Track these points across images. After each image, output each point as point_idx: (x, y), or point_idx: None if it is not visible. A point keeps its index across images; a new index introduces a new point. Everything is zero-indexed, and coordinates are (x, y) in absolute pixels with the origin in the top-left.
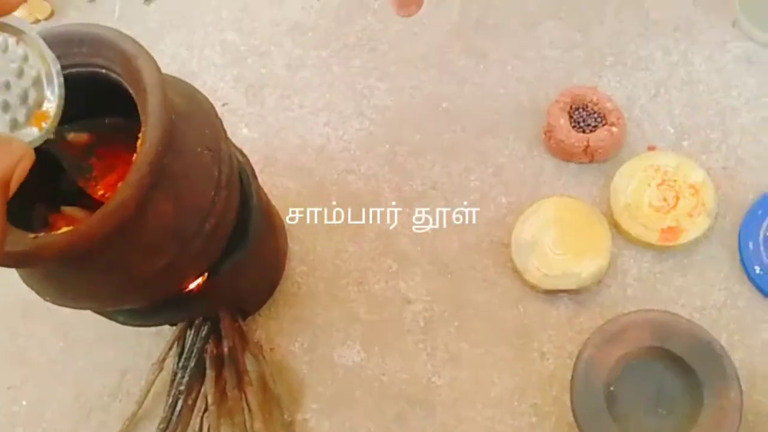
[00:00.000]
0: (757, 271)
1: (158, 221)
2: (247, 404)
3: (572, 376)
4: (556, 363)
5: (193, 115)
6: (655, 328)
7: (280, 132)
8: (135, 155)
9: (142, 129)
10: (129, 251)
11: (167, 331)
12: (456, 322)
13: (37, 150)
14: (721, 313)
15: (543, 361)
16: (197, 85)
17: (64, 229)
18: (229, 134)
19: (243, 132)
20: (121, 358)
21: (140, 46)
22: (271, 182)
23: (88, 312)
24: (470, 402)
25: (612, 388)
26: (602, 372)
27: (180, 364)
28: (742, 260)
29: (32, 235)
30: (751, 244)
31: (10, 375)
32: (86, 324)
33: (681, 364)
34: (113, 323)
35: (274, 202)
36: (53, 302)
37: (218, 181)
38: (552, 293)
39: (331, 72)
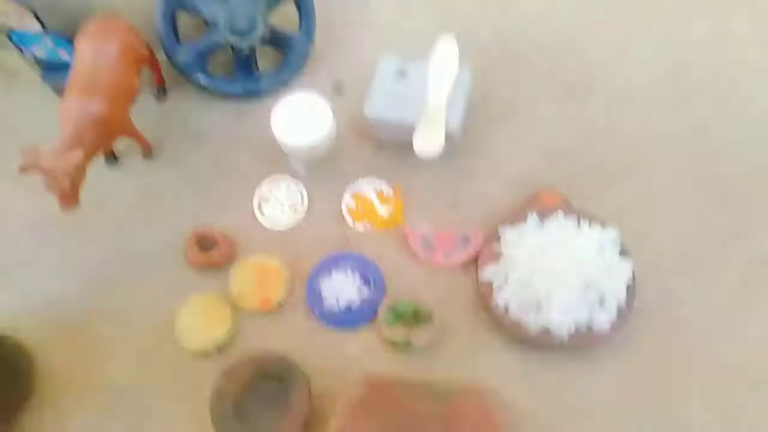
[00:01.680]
0: (317, 313)
1: None
2: None
3: (210, 404)
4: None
5: None
6: (255, 361)
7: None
8: None
9: None
10: None
11: None
12: (153, 385)
13: None
14: (304, 342)
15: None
16: None
17: None
18: None
19: None
20: None
21: None
22: None
23: None
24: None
25: (239, 404)
26: (229, 398)
27: None
28: (309, 307)
29: None
30: (311, 298)
31: None
32: None
33: (277, 378)
34: None
35: None
36: None
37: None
38: (207, 354)
39: (58, 247)
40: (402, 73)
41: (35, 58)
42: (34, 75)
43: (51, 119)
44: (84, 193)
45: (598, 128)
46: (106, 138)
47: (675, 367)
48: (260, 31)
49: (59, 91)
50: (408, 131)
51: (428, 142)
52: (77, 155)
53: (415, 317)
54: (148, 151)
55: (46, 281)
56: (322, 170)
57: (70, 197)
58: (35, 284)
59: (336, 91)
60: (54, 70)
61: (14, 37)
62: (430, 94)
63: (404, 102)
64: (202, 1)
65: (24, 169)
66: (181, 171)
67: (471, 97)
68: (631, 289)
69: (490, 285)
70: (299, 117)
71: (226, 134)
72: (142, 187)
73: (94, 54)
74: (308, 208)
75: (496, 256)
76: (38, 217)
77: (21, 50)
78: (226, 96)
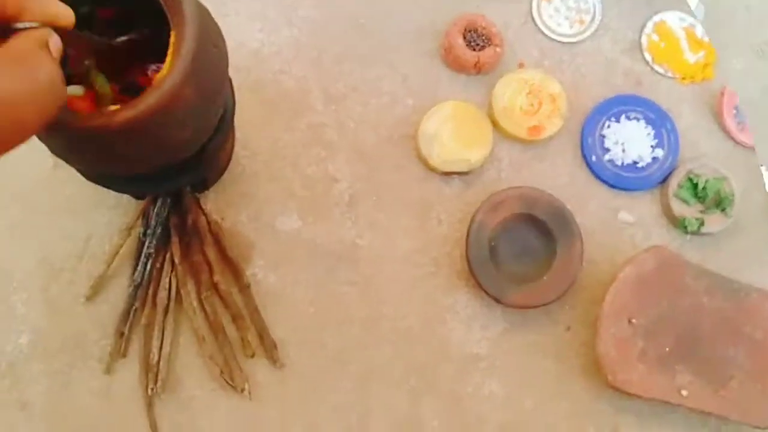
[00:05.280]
0: (594, 160)
1: (184, 103)
2: (209, 263)
3: (467, 235)
4: (449, 227)
5: (204, 16)
6: (524, 199)
7: None
8: (172, 49)
9: (177, 28)
10: (164, 125)
11: (125, 203)
12: (374, 197)
13: None
14: (566, 191)
15: (439, 226)
16: None
17: (117, 107)
18: None
19: None
20: (81, 226)
21: None
22: None
23: (44, 182)
24: (384, 258)
25: (493, 243)
26: (487, 232)
27: (147, 232)
28: (582, 151)
29: (100, 113)
30: (590, 140)
31: None
32: (43, 194)
33: (542, 225)
34: (73, 194)
35: None
36: (84, 170)
37: (223, 74)
38: (447, 175)
39: None
40: None
41: None
42: None
43: None
44: None
45: None
46: None
47: None
48: None
49: None
50: None
51: None
52: None
53: (715, 198)
54: None
55: (242, 24)
56: None
57: None
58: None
59: None
60: None
61: None
62: None
63: None
64: None
65: None
66: None
67: None
68: None
69: None
70: None
71: None
72: None
73: None
74: (599, 24)
75: None
76: None
77: None
78: None
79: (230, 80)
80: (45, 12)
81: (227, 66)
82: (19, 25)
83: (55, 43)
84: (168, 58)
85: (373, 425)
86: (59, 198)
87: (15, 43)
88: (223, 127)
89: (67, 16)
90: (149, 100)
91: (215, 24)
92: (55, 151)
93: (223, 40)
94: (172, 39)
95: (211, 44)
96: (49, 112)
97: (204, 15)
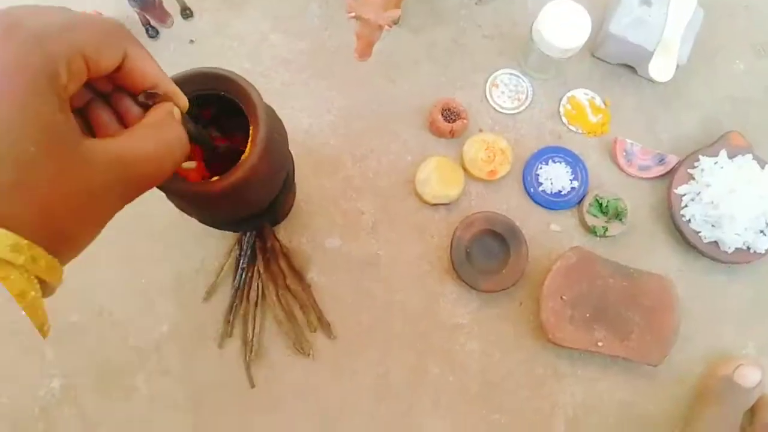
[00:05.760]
0: (532, 191)
1: (260, 174)
2: (282, 271)
3: (450, 245)
4: (439, 240)
5: (271, 115)
6: (487, 219)
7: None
8: (250, 139)
9: (254, 125)
10: (247, 189)
11: (228, 236)
12: (388, 223)
13: None
14: (515, 213)
15: (432, 239)
16: None
17: (216, 179)
18: None
19: None
20: (199, 251)
21: (247, 81)
22: None
23: (175, 222)
24: (397, 262)
25: (468, 250)
26: (464, 242)
27: (241, 253)
28: (524, 185)
29: (212, 179)
30: (529, 177)
31: (132, 267)
32: (173, 230)
33: (500, 236)
34: (193, 231)
35: None
36: (196, 217)
37: (286, 152)
38: (436, 206)
39: (309, 87)
40: (646, 1)
41: None
42: None
43: None
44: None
45: None
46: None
47: None
48: None
49: None
50: (638, 54)
51: (662, 69)
52: (396, 13)
53: (614, 212)
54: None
55: (297, 114)
56: (548, 73)
57: (369, 48)
58: (286, 115)
59: None
60: None
61: None
62: (670, 27)
63: (644, 28)
64: None
65: (350, 14)
66: (422, 43)
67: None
68: None
69: (680, 198)
70: (564, 21)
71: (467, 18)
72: (385, 51)
73: None
74: (531, 101)
75: (689, 177)
76: (289, 56)
77: None
78: None
79: (290, 154)
80: (170, 88)
81: (287, 145)
82: (155, 90)
83: (177, 112)
84: (248, 146)
85: (393, 373)
86: (185, 232)
87: (153, 113)
88: (287, 185)
89: (181, 96)
90: (238, 173)
91: (278, 119)
92: (177, 205)
93: (284, 129)
94: (251, 132)
95: (276, 133)
96: (178, 163)
97: (271, 114)
